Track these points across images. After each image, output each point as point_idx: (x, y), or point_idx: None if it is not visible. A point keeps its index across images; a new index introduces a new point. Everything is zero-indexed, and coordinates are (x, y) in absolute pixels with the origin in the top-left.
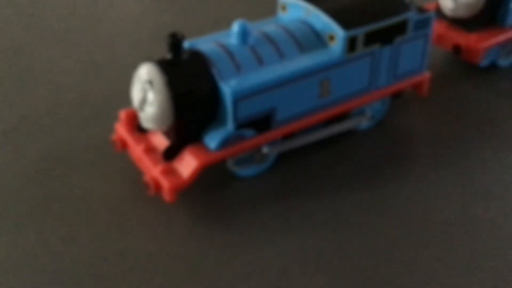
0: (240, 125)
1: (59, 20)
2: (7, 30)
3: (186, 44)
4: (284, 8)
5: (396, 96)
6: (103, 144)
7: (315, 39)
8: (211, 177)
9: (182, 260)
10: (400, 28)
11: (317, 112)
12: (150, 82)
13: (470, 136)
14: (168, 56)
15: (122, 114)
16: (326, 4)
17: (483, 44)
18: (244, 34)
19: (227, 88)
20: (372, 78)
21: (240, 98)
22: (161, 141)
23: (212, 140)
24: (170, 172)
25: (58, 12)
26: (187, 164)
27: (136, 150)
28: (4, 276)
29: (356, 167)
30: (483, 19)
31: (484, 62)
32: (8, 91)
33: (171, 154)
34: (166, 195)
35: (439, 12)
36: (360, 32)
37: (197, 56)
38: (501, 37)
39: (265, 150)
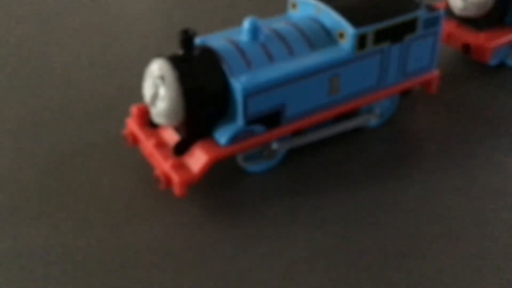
0: (250, 121)
1: (71, 16)
2: (20, 27)
3: (198, 41)
4: (294, 6)
5: (405, 94)
6: (114, 139)
7: (325, 37)
8: (221, 172)
9: (191, 254)
10: (410, 26)
11: (326, 109)
12: (162, 78)
13: (478, 135)
14: (180, 52)
15: (134, 109)
16: (336, 2)
17: (492, 43)
18: (254, 31)
19: (238, 84)
20: (382, 76)
21: (250, 94)
22: (171, 136)
23: (222, 135)
24: (181, 167)
25: (70, 9)
26: (197, 159)
27: (147, 145)
28: (16, 268)
29: (364, 164)
30: (492, 19)
31: (493, 61)
32: (22, 86)
33: (181, 149)
34: (176, 189)
35: (448, 11)
36: (370, 29)
37: (208, 53)
38: (511, 37)
39: (274, 146)
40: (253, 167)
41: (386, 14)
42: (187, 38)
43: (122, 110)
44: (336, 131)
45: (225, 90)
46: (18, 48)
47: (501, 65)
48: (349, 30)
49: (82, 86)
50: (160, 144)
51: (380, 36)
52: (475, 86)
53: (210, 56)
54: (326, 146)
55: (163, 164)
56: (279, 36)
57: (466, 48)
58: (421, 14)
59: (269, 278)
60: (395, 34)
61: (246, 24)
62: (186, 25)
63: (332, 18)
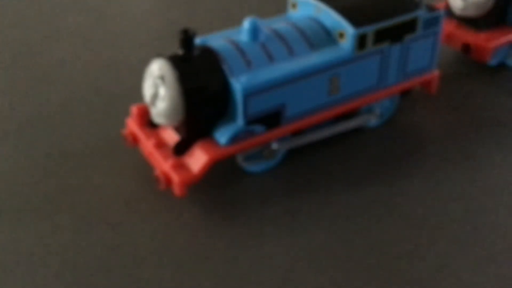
0: (250, 121)
1: (71, 17)
2: (20, 27)
3: (198, 41)
4: (294, 6)
5: (405, 94)
6: (114, 139)
7: (325, 37)
8: (221, 172)
9: (191, 254)
10: (410, 26)
11: (326, 109)
12: (162, 78)
13: (478, 135)
14: (180, 52)
15: (134, 109)
16: (336, 1)
17: (492, 43)
18: (254, 31)
19: (238, 84)
20: (382, 76)
21: (250, 94)
22: (171, 136)
23: (222, 135)
24: (181, 167)
25: (70, 9)
26: (197, 159)
27: (147, 145)
28: (16, 267)
29: (364, 164)
30: (492, 19)
31: (493, 61)
32: (22, 86)
33: (181, 149)
34: (176, 190)
35: (448, 11)
36: (370, 29)
37: (208, 52)
38: (511, 37)
39: (274, 146)
40: (253, 167)
41: (386, 14)
42: (187, 38)
43: (122, 110)
44: (336, 131)
45: (225, 90)
46: (17, 48)
47: (501, 65)
48: (349, 30)
49: (82, 86)
50: (160, 144)
51: (380, 36)
52: (475, 86)
53: (210, 56)
54: (326, 146)
55: (163, 164)
56: (279, 36)
57: (466, 48)
58: (421, 14)
59: (269, 278)
60: (395, 34)
61: (246, 24)
62: (186, 25)
63: (332, 18)
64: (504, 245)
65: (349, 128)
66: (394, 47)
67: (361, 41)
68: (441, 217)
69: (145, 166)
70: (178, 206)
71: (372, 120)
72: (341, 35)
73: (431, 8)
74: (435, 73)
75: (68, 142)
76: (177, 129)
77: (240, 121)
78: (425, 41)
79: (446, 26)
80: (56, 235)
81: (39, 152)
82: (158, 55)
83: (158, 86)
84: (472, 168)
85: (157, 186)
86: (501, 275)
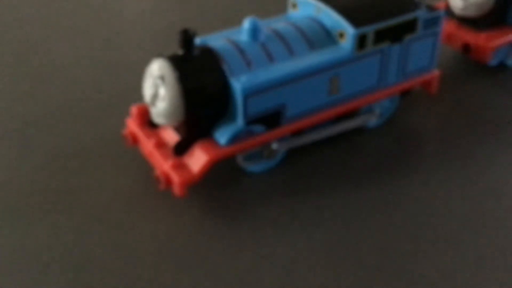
0: (250, 121)
1: (71, 17)
2: (21, 27)
3: (198, 41)
4: (294, 6)
5: (405, 94)
6: (115, 139)
7: (325, 37)
8: (221, 172)
9: (191, 253)
10: (410, 26)
11: (326, 109)
12: (162, 78)
13: (478, 135)
14: (180, 52)
15: (134, 109)
16: (336, 1)
17: (492, 43)
18: (254, 31)
19: (238, 84)
20: (381, 76)
21: (250, 94)
22: (171, 136)
23: (222, 135)
24: (181, 167)
25: (70, 9)
26: (197, 159)
27: (147, 145)
28: (16, 267)
29: (364, 164)
30: (492, 19)
31: (493, 61)
32: (22, 87)
33: (181, 149)
34: (176, 190)
35: (448, 11)
36: (370, 29)
37: (208, 53)
38: (511, 37)
39: (274, 146)
40: (253, 167)
41: (386, 14)
42: (187, 38)
43: (122, 110)
44: (336, 131)
45: (225, 90)
46: (18, 48)
47: (501, 65)
48: (349, 30)
49: (82, 86)
50: (160, 144)
51: (380, 36)
52: (475, 86)
53: (210, 56)
54: (325, 146)
55: (163, 164)
56: (279, 36)
57: (466, 48)
58: (421, 14)
59: (269, 277)
60: (395, 34)
61: (246, 24)
62: (186, 25)
63: (332, 18)
64: (505, 245)
65: (349, 128)
66: (394, 47)
67: (361, 41)
68: (441, 217)
69: (145, 166)
70: (178, 206)
71: (372, 120)
72: (341, 35)
73: (431, 8)
74: (435, 73)
75: (68, 142)
76: (177, 129)
77: (240, 121)
78: (425, 41)
79: (446, 26)
80: (56, 235)
81: (39, 152)
82: (158, 55)
83: (158, 86)
84: (472, 168)
85: (157, 186)
86: (501, 275)
